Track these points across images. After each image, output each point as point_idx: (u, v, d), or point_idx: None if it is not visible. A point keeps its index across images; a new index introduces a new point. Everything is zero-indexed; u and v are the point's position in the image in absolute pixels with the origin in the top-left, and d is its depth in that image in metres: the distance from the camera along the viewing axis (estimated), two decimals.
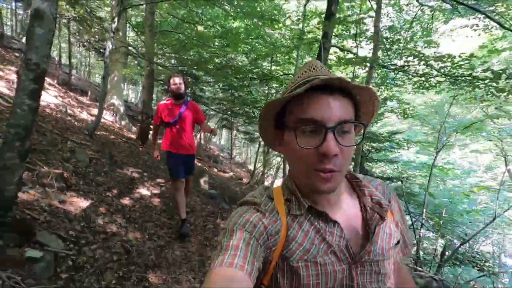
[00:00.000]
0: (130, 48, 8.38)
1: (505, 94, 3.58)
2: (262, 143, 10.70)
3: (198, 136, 10.15)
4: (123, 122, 8.33)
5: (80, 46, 12.33)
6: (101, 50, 10.32)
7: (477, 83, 3.37)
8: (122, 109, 8.53)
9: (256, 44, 8.19)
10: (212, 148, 15.93)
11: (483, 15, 3.82)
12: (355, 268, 0.51)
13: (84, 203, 2.34)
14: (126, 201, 2.90)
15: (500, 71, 3.02)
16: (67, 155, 3.01)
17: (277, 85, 7.18)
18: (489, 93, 3.67)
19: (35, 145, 2.70)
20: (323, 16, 3.81)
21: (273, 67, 8.94)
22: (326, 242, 0.50)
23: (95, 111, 7.23)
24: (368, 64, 3.33)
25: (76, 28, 9.24)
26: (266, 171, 10.71)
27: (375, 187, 0.60)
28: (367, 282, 0.52)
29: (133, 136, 6.57)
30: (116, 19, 4.25)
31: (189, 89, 9.35)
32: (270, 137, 0.58)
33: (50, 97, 5.39)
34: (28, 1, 7.75)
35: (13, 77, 5.29)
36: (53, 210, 1.97)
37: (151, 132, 7.07)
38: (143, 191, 3.40)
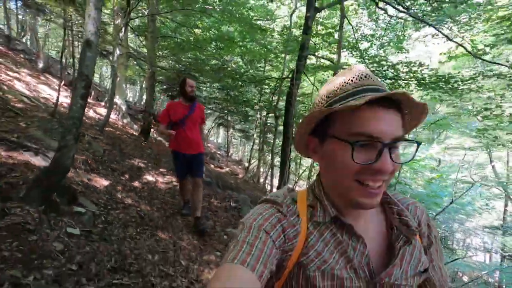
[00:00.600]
0: (131, 51, 8.93)
1: (457, 94, 4.25)
2: (257, 140, 11.32)
3: None
4: (125, 120, 8.91)
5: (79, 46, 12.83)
6: (102, 52, 10.87)
7: (432, 85, 4.01)
8: (124, 108, 9.10)
9: (250, 47, 8.80)
10: (210, 146, 16.52)
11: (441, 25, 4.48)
12: (374, 287, 0.49)
13: (105, 182, 2.96)
14: (136, 183, 3.52)
15: (447, 75, 3.67)
16: (86, 146, 3.62)
17: (267, 86, 7.78)
18: (445, 93, 4.33)
19: None
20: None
21: (267, 67, 9.58)
22: (346, 256, 0.49)
23: (99, 109, 7.82)
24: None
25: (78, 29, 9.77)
26: (261, 165, 11.33)
27: (406, 206, 0.57)
28: None
29: (136, 133, 7.17)
30: (123, 29, 4.84)
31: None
32: (303, 143, 0.57)
33: (62, 97, 5.97)
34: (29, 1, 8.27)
35: (28, 79, 5.86)
36: (85, 185, 2.59)
37: (152, 130, 7.67)
38: (149, 177, 4.02)
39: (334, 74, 3.84)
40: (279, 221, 0.50)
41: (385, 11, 4.33)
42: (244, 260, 0.42)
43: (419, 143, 0.48)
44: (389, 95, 0.43)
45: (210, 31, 9.04)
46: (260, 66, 9.42)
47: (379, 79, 0.49)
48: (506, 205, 11.22)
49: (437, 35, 4.56)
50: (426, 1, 4.31)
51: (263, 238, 0.46)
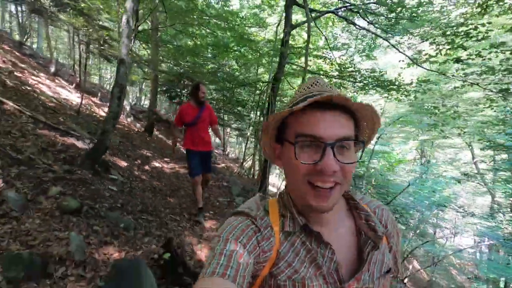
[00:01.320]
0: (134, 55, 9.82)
1: (412, 97, 5.19)
2: (252, 138, 12.25)
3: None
4: (129, 119, 9.80)
5: (83, 50, 13.70)
6: (107, 57, 11.75)
7: (376, 87, 4.94)
8: (128, 108, 10.00)
9: (244, 52, 9.72)
10: None
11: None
12: None
13: (124, 164, 3.87)
14: (147, 167, 4.43)
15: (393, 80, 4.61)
16: None
17: (259, 88, 8.70)
18: (401, 95, 5.27)
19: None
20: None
21: (261, 70, 10.51)
22: (316, 264, 0.50)
23: (106, 109, 8.70)
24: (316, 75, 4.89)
25: (83, 32, 10.64)
26: (255, 161, 12.25)
27: (373, 209, 0.59)
28: None
29: (138, 130, 8.06)
30: (132, 41, 5.73)
31: (186, 89, 10.81)
32: (270, 150, 0.59)
33: (77, 98, 6.86)
34: (31, 4, 9.14)
35: (48, 82, 6.73)
36: (112, 163, 3.50)
37: (155, 128, 8.55)
38: (156, 164, 4.93)
39: (303, 79, 4.77)
40: (255, 233, 0.51)
41: (353, 24, 5.27)
42: (223, 273, 0.43)
43: (363, 142, 0.53)
44: (323, 97, 0.46)
45: (207, 38, 9.97)
46: (253, 68, 10.34)
47: (331, 87, 0.52)
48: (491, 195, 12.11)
49: (399, 44, 5.50)
50: (384, 17, 5.26)
51: (240, 250, 0.47)
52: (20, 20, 12.64)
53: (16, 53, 8.85)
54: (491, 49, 3.76)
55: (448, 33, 4.57)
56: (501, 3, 3.86)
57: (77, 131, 3.61)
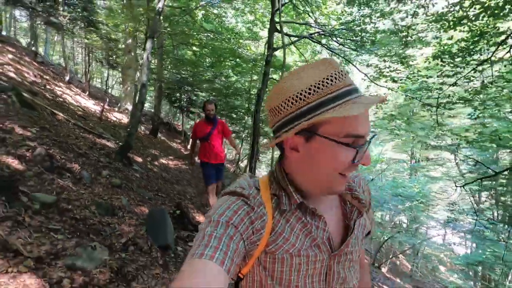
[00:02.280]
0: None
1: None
2: (249, 139, 13.42)
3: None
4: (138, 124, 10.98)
5: (85, 55, 14.86)
6: (113, 65, 12.93)
7: None
8: None
9: (240, 61, 10.91)
10: None
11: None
12: (334, 258, 0.57)
13: (140, 159, 5.03)
14: (156, 163, 5.59)
15: None
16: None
17: (253, 94, 9.88)
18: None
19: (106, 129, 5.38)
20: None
21: (256, 77, 11.69)
22: (311, 236, 0.55)
23: (116, 114, 9.84)
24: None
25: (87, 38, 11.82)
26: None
27: (353, 179, 0.65)
28: (341, 268, 0.58)
29: (145, 133, 9.22)
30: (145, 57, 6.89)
31: (186, 94, 11.93)
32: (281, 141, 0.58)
33: (92, 105, 8.02)
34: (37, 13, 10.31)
35: (67, 91, 7.89)
36: (132, 158, 4.67)
37: (159, 131, 9.69)
38: (163, 161, 6.09)
39: None
40: (247, 214, 0.52)
41: (324, 46, 6.46)
42: (212, 256, 0.43)
43: (375, 135, 0.61)
44: (378, 102, 0.48)
45: (204, 49, 11.16)
46: (248, 76, 11.51)
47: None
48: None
49: (365, 61, 6.68)
50: (351, 41, 6.44)
51: (231, 232, 0.48)
52: (34, 30, 13.75)
53: (35, 63, 10.02)
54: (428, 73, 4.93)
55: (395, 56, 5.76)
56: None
57: (105, 134, 4.78)
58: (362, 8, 5.15)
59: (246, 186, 0.57)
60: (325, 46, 6.59)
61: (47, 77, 7.94)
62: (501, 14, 3.64)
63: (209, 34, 9.43)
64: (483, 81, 3.90)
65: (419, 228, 10.41)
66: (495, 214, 10.25)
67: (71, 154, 3.18)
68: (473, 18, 3.81)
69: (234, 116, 11.24)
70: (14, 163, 2.30)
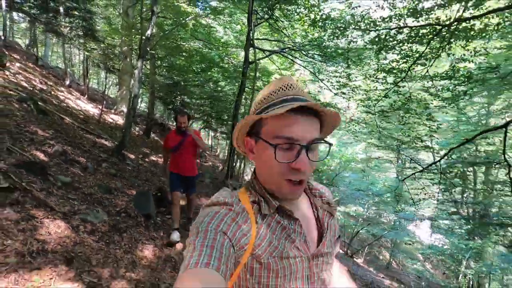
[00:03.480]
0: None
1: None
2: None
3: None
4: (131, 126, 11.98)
5: (84, 59, 15.83)
6: (110, 68, 13.92)
7: None
8: None
9: (228, 67, 11.93)
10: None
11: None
12: (312, 260, 0.61)
13: (132, 156, 6.05)
14: (146, 159, 6.61)
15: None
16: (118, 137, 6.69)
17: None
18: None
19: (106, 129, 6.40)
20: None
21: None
22: (290, 238, 0.59)
23: (112, 116, 10.83)
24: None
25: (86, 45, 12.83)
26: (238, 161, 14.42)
27: (320, 188, 0.73)
28: (319, 271, 0.62)
29: (139, 133, 10.22)
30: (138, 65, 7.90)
31: (179, 97, 12.87)
32: (240, 143, 0.67)
33: (91, 108, 9.02)
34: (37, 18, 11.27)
35: (69, 96, 8.87)
36: (126, 155, 5.69)
37: (152, 131, 10.71)
38: (153, 158, 7.11)
39: (251, 100, 7.00)
40: (233, 220, 0.55)
41: (293, 61, 7.51)
42: (207, 263, 0.45)
43: (330, 144, 0.63)
44: (304, 105, 0.53)
45: (195, 57, 12.17)
46: (235, 81, 12.56)
47: (303, 90, 0.60)
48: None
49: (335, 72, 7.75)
50: (318, 55, 7.50)
51: (221, 239, 0.50)
52: (33, 35, 14.67)
53: (37, 68, 10.98)
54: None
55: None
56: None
57: (103, 135, 5.79)
58: (322, 30, 6.19)
59: (227, 195, 0.61)
60: (291, 58, 7.64)
61: (51, 83, 8.93)
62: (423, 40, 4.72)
63: (198, 44, 10.48)
64: (409, 94, 4.94)
65: (393, 221, 11.47)
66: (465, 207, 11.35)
67: (78, 150, 4.20)
68: (400, 44, 4.89)
69: (223, 118, 12.26)
70: (41, 156, 3.32)
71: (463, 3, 3.81)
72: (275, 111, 0.54)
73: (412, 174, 6.01)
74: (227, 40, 11.59)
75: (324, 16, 5.82)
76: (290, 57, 7.50)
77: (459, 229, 8.98)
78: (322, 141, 0.59)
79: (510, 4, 3.52)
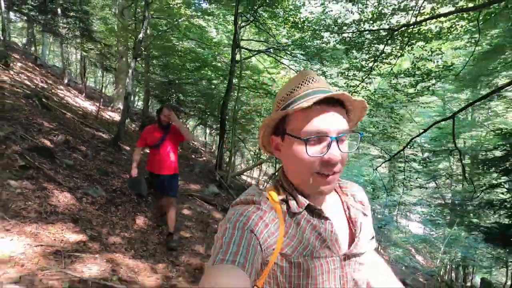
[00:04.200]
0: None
1: None
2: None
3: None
4: (126, 121, 12.55)
5: (81, 59, 16.37)
6: (107, 68, 14.47)
7: None
8: None
9: (221, 66, 12.52)
10: (195, 143, 20.27)
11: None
12: (344, 260, 0.60)
13: (127, 148, 6.65)
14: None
15: None
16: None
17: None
18: None
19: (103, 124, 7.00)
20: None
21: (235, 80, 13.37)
22: (321, 237, 0.58)
23: (109, 113, 11.40)
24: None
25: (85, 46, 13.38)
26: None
27: (351, 185, 0.71)
28: (352, 272, 0.61)
29: (134, 130, 10.81)
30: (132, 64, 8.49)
31: (174, 95, 13.43)
32: (266, 142, 0.67)
33: (89, 106, 9.59)
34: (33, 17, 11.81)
35: (68, 94, 9.44)
36: (121, 146, 6.29)
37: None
38: (147, 150, 7.69)
39: (237, 98, 7.61)
40: (261, 218, 0.55)
41: (278, 61, 8.11)
42: (233, 260, 0.46)
43: (361, 134, 0.62)
44: (331, 95, 0.53)
45: (187, 56, 12.75)
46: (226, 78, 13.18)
47: (325, 81, 0.60)
48: None
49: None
50: (302, 54, 8.10)
51: (248, 237, 0.50)
52: (32, 35, 15.17)
53: (36, 67, 11.53)
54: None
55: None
56: None
57: (101, 129, 6.39)
58: (302, 31, 6.81)
59: (255, 193, 0.61)
60: (274, 57, 8.25)
61: (50, 82, 9.49)
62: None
63: (191, 44, 11.06)
64: (375, 90, 5.53)
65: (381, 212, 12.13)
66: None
67: (79, 140, 4.81)
68: (363, 45, 5.51)
69: (215, 114, 12.86)
70: (48, 143, 3.92)
71: (409, 11, 4.44)
72: (301, 105, 0.54)
73: (382, 163, 6.66)
74: (220, 40, 12.18)
75: (302, 20, 6.42)
76: (274, 56, 8.10)
77: (436, 217, 9.64)
78: (352, 131, 0.61)
79: (448, 12, 4.15)
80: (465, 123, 8.42)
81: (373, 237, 0.69)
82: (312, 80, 0.59)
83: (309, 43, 7.27)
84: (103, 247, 2.62)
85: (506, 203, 5.16)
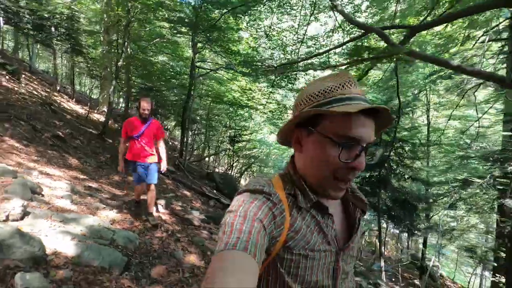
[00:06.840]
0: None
1: None
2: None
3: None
4: (109, 121, 15.03)
5: (70, 68, 18.66)
6: (93, 76, 16.88)
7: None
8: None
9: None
10: (175, 142, 22.83)
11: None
12: (340, 254, 0.65)
13: (111, 140, 9.28)
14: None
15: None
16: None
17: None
18: None
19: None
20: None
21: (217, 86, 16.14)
22: (323, 233, 0.63)
23: (96, 115, 13.88)
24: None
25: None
26: (205, 151, 17.75)
27: (352, 184, 0.75)
28: (344, 264, 0.67)
29: (118, 128, 13.32)
30: (113, 84, 11.07)
31: (153, 99, 15.98)
32: (286, 133, 0.69)
33: (79, 109, 12.10)
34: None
35: (61, 99, 11.89)
36: (106, 140, 8.94)
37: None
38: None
39: (209, 108, 10.39)
40: (270, 210, 0.58)
41: (236, 74, 10.92)
42: (245, 248, 0.48)
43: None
44: (376, 107, 0.55)
45: (165, 66, 15.36)
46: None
47: (360, 87, 0.62)
48: None
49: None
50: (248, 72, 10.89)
51: (258, 227, 0.53)
52: (30, 48, 17.40)
53: (32, 76, 13.89)
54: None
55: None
56: None
57: (90, 126, 9.02)
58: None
59: (264, 184, 0.63)
60: (226, 72, 11.06)
61: (48, 90, 11.95)
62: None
63: (165, 59, 13.72)
64: None
65: None
66: None
67: (78, 133, 7.45)
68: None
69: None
70: (61, 134, 6.56)
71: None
72: (345, 108, 0.55)
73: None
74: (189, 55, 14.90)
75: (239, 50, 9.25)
76: (226, 72, 10.92)
77: None
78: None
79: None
80: None
81: (363, 232, 0.64)
82: (354, 85, 0.61)
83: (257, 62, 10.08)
84: (96, 184, 5.31)
85: None
